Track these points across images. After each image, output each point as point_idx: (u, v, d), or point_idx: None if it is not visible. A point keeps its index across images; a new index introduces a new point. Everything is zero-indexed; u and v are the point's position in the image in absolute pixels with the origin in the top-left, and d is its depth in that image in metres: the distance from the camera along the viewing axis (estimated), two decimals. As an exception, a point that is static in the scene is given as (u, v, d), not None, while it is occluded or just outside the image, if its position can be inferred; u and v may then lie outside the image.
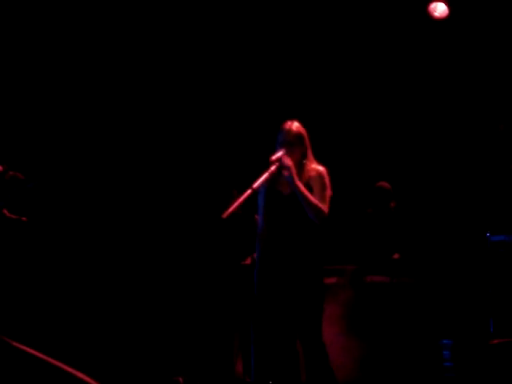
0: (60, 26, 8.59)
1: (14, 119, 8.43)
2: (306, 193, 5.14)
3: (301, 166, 5.26)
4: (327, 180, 5.26)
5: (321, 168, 5.29)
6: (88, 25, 8.67)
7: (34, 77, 8.60)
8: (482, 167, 8.20)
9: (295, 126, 5.30)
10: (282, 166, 5.13)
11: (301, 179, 5.20)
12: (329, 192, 5.25)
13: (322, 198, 5.18)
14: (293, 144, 5.24)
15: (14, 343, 2.89)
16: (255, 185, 4.99)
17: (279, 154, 5.17)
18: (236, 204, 4.98)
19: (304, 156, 5.30)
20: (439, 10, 8.11)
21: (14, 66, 8.50)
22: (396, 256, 7.61)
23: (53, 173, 8.52)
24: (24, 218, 7.16)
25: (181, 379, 7.55)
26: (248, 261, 7.66)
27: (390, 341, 7.04)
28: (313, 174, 5.25)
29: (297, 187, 5.13)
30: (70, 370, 2.88)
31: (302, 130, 5.32)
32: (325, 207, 5.16)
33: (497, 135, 8.11)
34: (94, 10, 8.68)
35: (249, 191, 4.98)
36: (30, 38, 8.54)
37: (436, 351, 7.28)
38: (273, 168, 5.12)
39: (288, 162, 5.14)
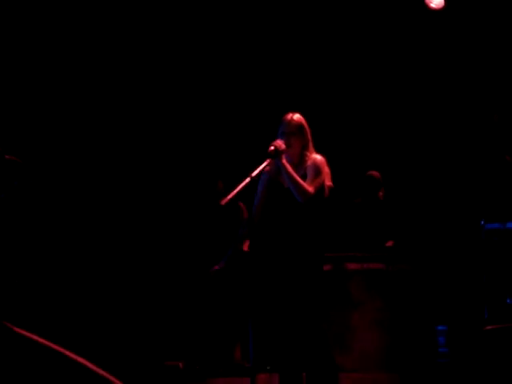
0: (60, 24, 8.61)
1: (13, 117, 8.43)
2: (291, 171, 5.17)
3: (301, 157, 5.32)
4: (322, 168, 5.27)
5: (318, 157, 5.33)
6: (88, 24, 8.68)
7: (33, 75, 8.61)
8: (477, 157, 8.24)
9: (296, 117, 5.36)
10: (276, 152, 5.16)
11: (301, 170, 5.26)
12: (321, 179, 5.26)
13: (310, 181, 5.21)
14: (293, 134, 5.30)
15: (16, 329, 2.92)
16: (253, 173, 5.02)
17: (276, 142, 5.23)
18: (235, 191, 5.05)
19: (305, 148, 5.34)
20: (436, 1, 8.15)
21: (13, 64, 8.52)
22: (390, 243, 7.67)
23: (47, 166, 8.52)
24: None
25: (180, 364, 7.62)
26: (246, 247, 7.69)
27: (385, 327, 7.12)
28: (309, 163, 5.31)
29: (283, 165, 5.16)
30: (71, 355, 2.91)
31: (303, 122, 5.37)
32: (310, 188, 5.17)
33: (491, 125, 8.16)
34: (94, 9, 8.70)
35: (247, 179, 5.05)
36: (30, 35, 8.54)
37: (431, 337, 7.35)
38: (270, 157, 5.18)
39: (281, 144, 5.18)
